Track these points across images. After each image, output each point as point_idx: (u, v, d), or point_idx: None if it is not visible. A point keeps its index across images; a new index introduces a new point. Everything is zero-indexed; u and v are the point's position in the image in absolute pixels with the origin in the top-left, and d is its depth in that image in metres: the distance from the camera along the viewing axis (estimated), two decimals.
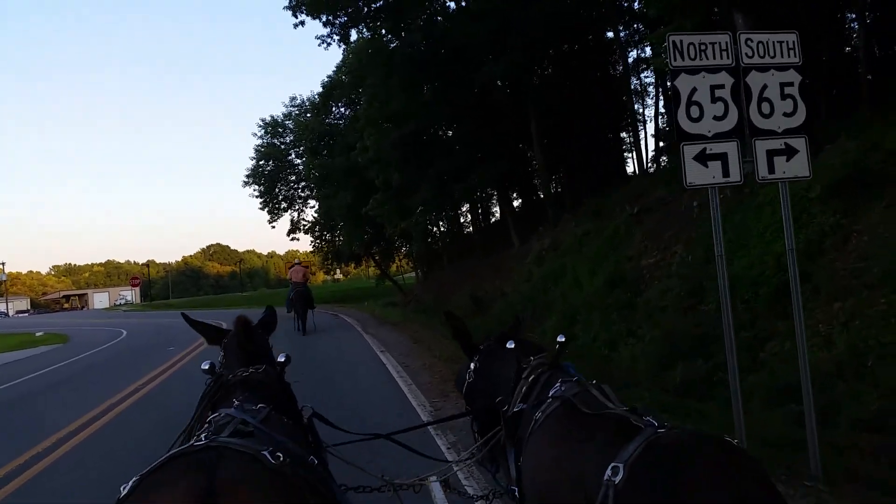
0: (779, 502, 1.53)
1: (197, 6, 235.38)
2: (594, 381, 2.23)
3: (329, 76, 37.31)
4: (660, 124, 25.88)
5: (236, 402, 2.01)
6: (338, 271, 63.67)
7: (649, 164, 25.00)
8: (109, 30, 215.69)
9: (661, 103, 26.20)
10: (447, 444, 5.69)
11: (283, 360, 2.55)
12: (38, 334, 28.15)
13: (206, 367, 2.45)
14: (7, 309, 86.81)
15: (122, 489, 1.50)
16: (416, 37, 21.25)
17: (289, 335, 14.87)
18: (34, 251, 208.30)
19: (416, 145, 25.68)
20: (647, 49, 26.21)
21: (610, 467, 1.59)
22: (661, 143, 24.98)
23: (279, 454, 1.63)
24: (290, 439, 1.84)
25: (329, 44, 22.62)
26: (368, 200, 28.15)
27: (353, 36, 23.24)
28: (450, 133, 26.97)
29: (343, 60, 33.95)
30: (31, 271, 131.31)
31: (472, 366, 2.97)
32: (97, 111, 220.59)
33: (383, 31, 22.02)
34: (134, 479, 1.50)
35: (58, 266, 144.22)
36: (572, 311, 12.17)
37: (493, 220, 37.87)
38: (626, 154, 29.03)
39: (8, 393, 11.51)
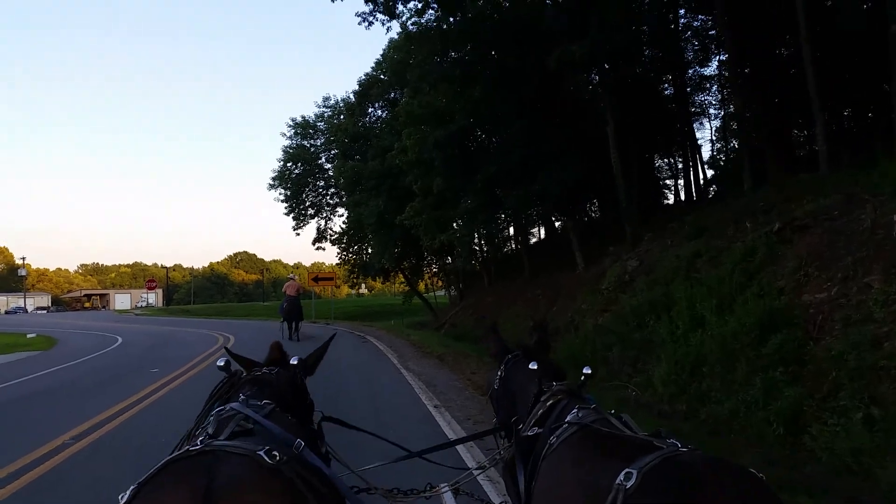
0: None
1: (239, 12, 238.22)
2: (612, 411, 2.07)
3: (366, 74, 34.57)
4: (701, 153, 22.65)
5: (242, 397, 2.01)
6: (363, 286, 60.67)
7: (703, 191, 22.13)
8: (143, 34, 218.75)
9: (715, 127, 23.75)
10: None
11: (295, 362, 2.53)
12: (29, 336, 25.46)
13: (222, 364, 2.35)
14: (26, 305, 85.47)
15: (120, 498, 1.43)
16: (479, 7, 17.86)
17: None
18: (63, 249, 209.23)
19: (462, 146, 22.54)
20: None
21: (623, 472, 1.49)
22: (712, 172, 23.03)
23: (275, 453, 1.57)
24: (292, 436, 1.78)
25: (371, 22, 19.46)
26: (403, 209, 25.07)
27: (398, 22, 20.25)
28: (504, 134, 23.49)
29: (385, 52, 31.20)
30: (59, 268, 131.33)
31: (498, 374, 2.96)
32: (133, 113, 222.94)
33: (434, 7, 18.68)
34: (132, 486, 1.44)
35: (86, 265, 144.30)
36: (695, 360, 8.62)
37: (534, 239, 34.40)
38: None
39: None
